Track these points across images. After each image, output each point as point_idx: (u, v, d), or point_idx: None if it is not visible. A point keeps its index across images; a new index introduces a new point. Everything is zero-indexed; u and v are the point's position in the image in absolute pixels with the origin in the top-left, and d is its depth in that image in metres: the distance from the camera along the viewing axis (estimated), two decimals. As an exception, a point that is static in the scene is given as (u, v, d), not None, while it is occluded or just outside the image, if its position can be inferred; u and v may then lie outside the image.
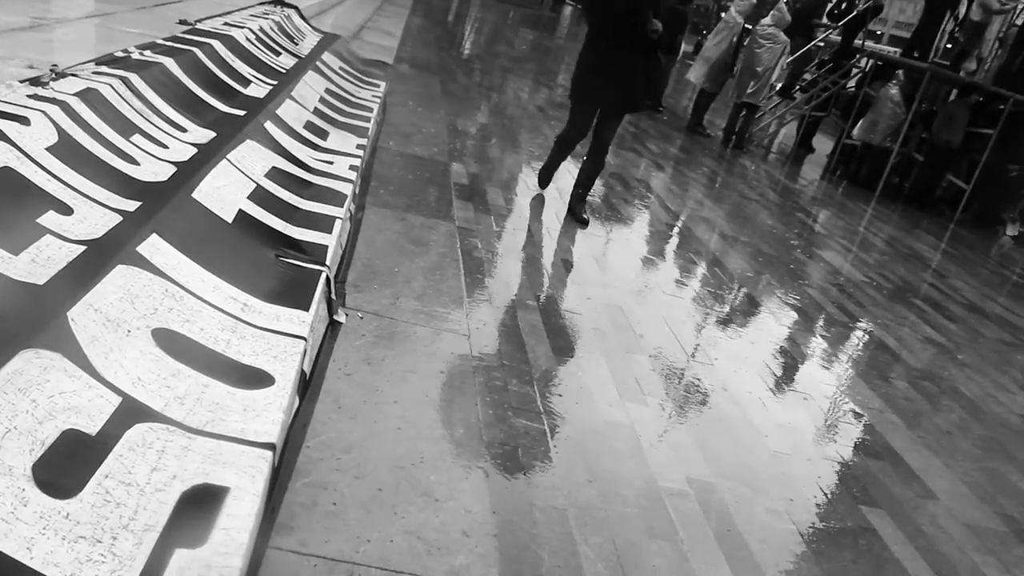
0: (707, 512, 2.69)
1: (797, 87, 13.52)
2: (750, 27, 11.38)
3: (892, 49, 15.42)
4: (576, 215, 5.51)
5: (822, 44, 14.24)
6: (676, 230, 6.34)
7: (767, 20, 10.89)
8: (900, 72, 10.71)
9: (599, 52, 5.20)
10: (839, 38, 13.06)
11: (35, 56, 3.66)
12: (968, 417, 4.16)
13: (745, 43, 11.17)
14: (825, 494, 3.05)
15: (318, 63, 6.43)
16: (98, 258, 2.36)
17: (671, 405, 3.38)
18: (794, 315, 5.05)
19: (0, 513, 1.53)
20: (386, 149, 5.54)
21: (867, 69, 12.01)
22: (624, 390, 3.35)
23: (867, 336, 5.05)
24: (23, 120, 2.73)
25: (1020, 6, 11.66)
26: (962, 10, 10.90)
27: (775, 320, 4.87)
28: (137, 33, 4.74)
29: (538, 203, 5.79)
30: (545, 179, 5.93)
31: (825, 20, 13.34)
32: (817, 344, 4.67)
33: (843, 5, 13.40)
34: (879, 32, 34.66)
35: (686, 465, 2.95)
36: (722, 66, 11.28)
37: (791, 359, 4.33)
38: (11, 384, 1.75)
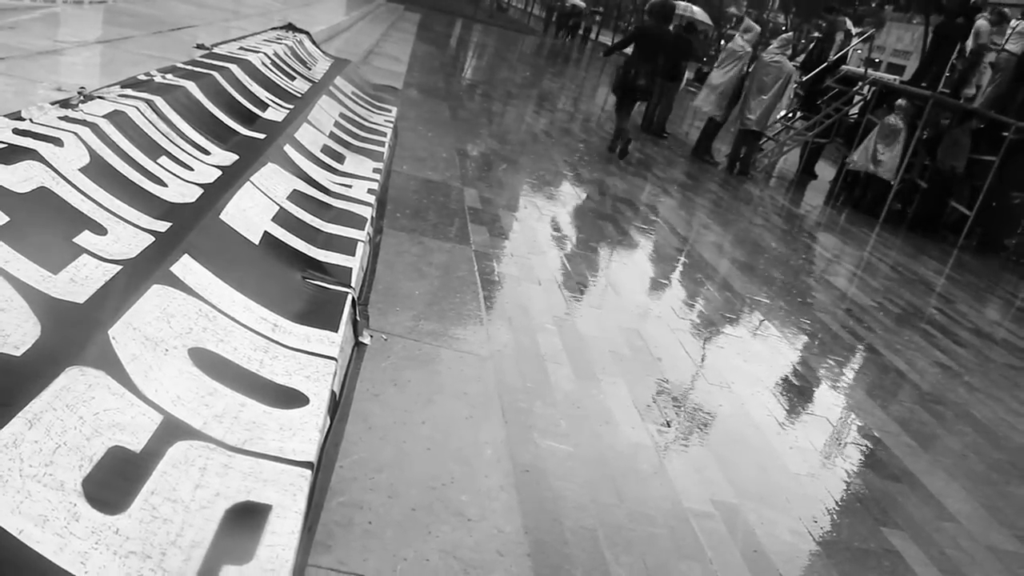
0: (733, 533, 2.70)
1: (793, 117, 13.61)
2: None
3: (892, 77, 15.43)
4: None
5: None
6: (686, 254, 6.38)
7: (773, 47, 10.99)
8: (901, 101, 10.77)
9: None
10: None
11: (61, 79, 3.71)
12: (982, 440, 4.18)
13: (750, 70, 11.24)
14: (847, 516, 3.06)
15: (331, 88, 6.49)
16: (134, 278, 2.38)
17: (692, 427, 3.39)
18: (806, 338, 5.08)
19: (55, 527, 1.55)
20: (400, 173, 5.58)
21: (869, 97, 12.11)
22: (645, 412, 3.37)
23: (878, 360, 5.07)
24: (57, 141, 2.77)
25: (1009, 31, 11.63)
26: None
27: (788, 343, 4.90)
28: (157, 56, 4.79)
29: (551, 227, 5.84)
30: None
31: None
32: (830, 367, 4.69)
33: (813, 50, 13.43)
34: (877, 60, 34.93)
35: (710, 486, 2.96)
36: (731, 95, 11.35)
37: (806, 382, 4.35)
38: (59, 400, 1.77)
